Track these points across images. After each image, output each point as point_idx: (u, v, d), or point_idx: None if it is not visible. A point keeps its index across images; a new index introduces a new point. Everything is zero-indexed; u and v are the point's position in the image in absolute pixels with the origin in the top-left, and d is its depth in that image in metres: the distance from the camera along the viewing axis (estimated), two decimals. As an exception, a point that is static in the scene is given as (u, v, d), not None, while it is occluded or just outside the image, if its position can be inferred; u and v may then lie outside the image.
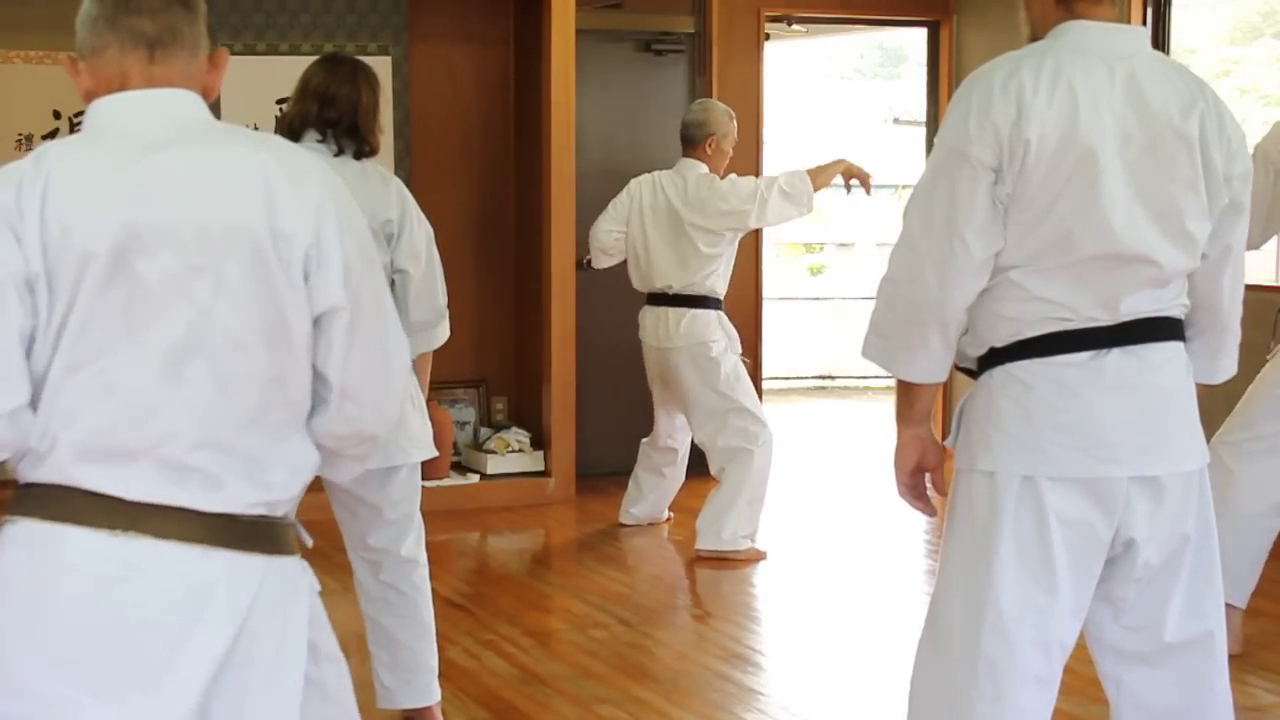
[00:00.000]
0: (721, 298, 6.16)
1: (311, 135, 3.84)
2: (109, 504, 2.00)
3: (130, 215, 1.98)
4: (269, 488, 2.07)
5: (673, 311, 6.13)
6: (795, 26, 9.25)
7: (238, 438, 2.03)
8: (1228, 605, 4.42)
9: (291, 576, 2.13)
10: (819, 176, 6.05)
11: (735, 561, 5.99)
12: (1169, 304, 2.69)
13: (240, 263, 1.99)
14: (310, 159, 2.14)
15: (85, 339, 1.99)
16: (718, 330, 6.09)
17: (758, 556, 6.05)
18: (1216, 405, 4.75)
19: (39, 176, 2.00)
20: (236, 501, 2.05)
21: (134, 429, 2.00)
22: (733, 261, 6.20)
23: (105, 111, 2.08)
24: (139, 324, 1.99)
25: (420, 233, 3.90)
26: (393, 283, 3.84)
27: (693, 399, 6.11)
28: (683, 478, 6.59)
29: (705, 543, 6.04)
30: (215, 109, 2.15)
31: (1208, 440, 2.83)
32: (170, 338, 1.99)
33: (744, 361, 6.20)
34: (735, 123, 6.23)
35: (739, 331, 6.29)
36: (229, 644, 2.03)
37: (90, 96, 2.10)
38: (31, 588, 2.01)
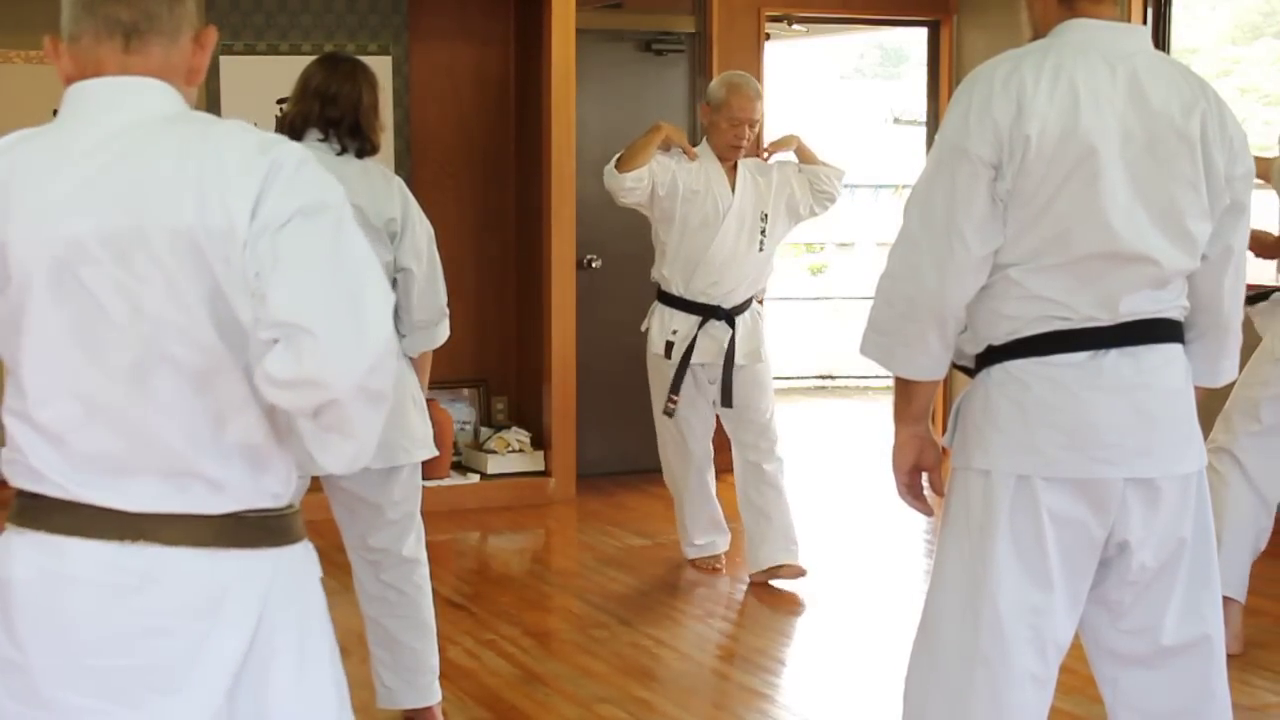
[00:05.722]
0: (669, 289, 5.62)
1: (314, 134, 3.85)
2: (114, 516, 1.99)
3: (70, 227, 1.93)
4: (271, 480, 2.05)
5: None
6: (795, 26, 9.24)
7: (229, 432, 2.00)
8: (1228, 600, 4.45)
9: (302, 562, 2.11)
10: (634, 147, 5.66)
11: (705, 568, 5.85)
12: (1169, 305, 2.69)
13: (186, 266, 1.92)
14: (263, 141, 1.99)
15: (47, 366, 1.97)
16: (654, 321, 5.66)
17: (711, 568, 5.82)
18: (1219, 405, 4.76)
19: None
20: (241, 501, 2.03)
21: (124, 448, 1.98)
22: (682, 255, 5.59)
23: (76, 98, 2.03)
24: (94, 344, 1.95)
25: (422, 231, 3.92)
26: (394, 282, 3.86)
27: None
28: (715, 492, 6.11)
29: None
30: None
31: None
32: (130, 355, 1.95)
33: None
34: (736, 94, 5.52)
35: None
36: (248, 642, 2.02)
37: (69, 81, 2.05)
38: (45, 601, 2.00)
